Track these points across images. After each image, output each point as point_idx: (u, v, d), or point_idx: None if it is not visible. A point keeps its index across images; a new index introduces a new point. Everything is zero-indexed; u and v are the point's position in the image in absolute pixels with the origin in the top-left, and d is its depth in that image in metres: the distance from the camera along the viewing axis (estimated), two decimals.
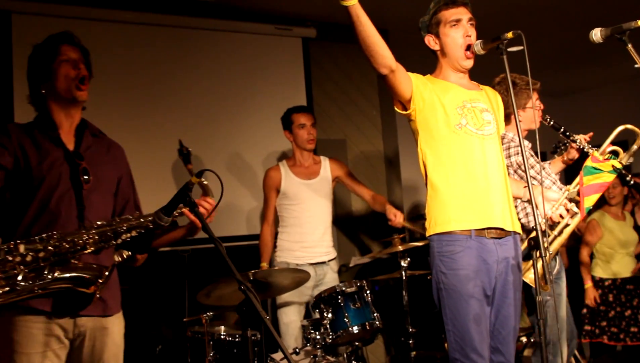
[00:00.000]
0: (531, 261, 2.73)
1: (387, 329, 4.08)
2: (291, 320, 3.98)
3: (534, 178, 3.36)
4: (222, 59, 4.96)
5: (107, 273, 2.21)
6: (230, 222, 4.78)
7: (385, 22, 5.11)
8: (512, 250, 2.71)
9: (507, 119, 3.31)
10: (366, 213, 5.25)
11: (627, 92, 8.45)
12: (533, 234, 2.48)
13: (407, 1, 4.63)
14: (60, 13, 4.30)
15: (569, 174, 3.89)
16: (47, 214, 2.26)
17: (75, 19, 4.34)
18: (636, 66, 2.71)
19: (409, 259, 4.08)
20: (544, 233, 2.49)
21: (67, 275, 2.14)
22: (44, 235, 2.17)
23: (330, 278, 4.10)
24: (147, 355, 3.99)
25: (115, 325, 2.40)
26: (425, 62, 2.92)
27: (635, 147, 3.21)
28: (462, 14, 2.73)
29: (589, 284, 5.10)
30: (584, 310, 5.17)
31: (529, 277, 2.87)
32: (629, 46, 2.46)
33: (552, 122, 3.54)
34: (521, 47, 2.47)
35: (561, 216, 2.83)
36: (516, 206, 3.36)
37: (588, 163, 2.97)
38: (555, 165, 3.62)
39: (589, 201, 2.91)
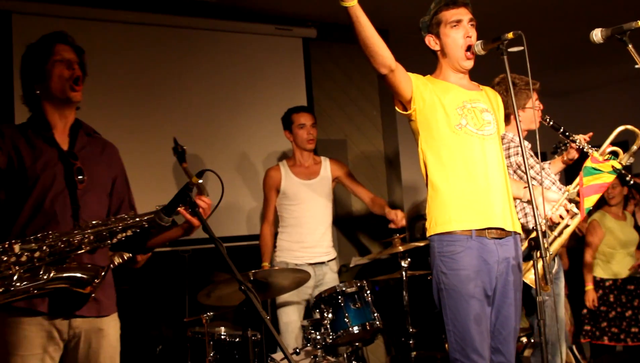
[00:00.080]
0: (531, 262, 2.73)
1: (388, 329, 4.09)
2: (291, 320, 3.98)
3: (534, 178, 3.36)
4: (222, 59, 4.97)
5: (103, 274, 2.19)
6: (230, 222, 4.78)
7: (385, 22, 5.11)
8: (512, 250, 2.71)
9: (507, 119, 3.31)
10: (367, 213, 5.25)
11: (627, 93, 8.45)
12: (533, 234, 2.48)
13: (408, 1, 4.63)
14: (61, 13, 4.30)
15: (569, 175, 3.89)
16: (42, 214, 2.25)
17: (76, 19, 4.35)
18: (636, 66, 2.71)
19: (409, 259, 4.08)
20: (543, 233, 2.49)
21: (63, 275, 2.13)
22: (39, 235, 2.15)
23: (330, 279, 4.10)
24: (147, 355, 4.00)
25: (111, 326, 2.38)
26: (425, 62, 2.92)
27: (635, 147, 3.20)
28: (463, 14, 2.73)
29: (589, 286, 5.09)
30: (584, 310, 5.17)
31: (529, 278, 2.87)
32: (630, 46, 2.45)
33: (551, 123, 3.54)
34: (521, 48, 2.48)
35: (561, 216, 2.84)
36: (515, 206, 3.36)
37: (588, 163, 2.97)
38: (555, 165, 3.62)
39: (589, 201, 2.91)
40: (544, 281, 2.45)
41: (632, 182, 3.82)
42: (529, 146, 3.59)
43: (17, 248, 2.09)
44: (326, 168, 4.25)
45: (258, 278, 3.36)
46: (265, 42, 5.14)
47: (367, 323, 3.61)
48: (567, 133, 3.50)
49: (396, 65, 2.59)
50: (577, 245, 5.60)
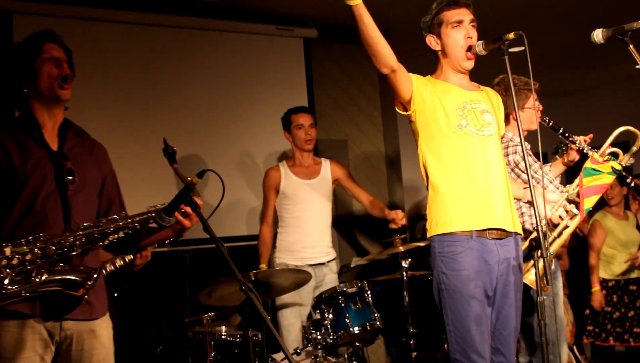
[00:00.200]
0: (531, 262, 2.73)
1: (388, 330, 4.09)
2: (291, 321, 3.98)
3: (532, 177, 3.35)
4: (223, 60, 4.97)
5: (95, 276, 2.17)
6: (231, 222, 4.78)
7: (386, 22, 5.11)
8: (513, 250, 2.71)
9: (506, 119, 3.31)
10: (367, 213, 5.24)
11: (628, 93, 8.45)
12: (534, 234, 2.48)
13: (409, 1, 4.63)
14: (61, 13, 4.30)
15: (569, 176, 3.89)
16: (33, 215, 2.21)
17: (76, 19, 4.36)
18: (637, 66, 2.71)
19: (410, 260, 4.08)
20: (543, 234, 2.49)
21: (56, 277, 2.10)
22: (30, 237, 2.11)
23: (330, 279, 4.10)
24: (148, 355, 4.00)
25: (103, 328, 2.35)
26: (426, 62, 2.92)
27: (635, 148, 3.21)
28: (464, 15, 2.74)
29: (596, 287, 5.05)
30: (587, 311, 5.16)
31: (529, 279, 2.87)
32: (631, 46, 2.45)
33: (551, 123, 3.54)
34: (522, 48, 2.48)
35: (560, 217, 2.83)
36: None
37: (587, 164, 2.98)
38: (556, 168, 3.62)
39: (589, 202, 2.91)
40: (544, 281, 2.45)
41: (632, 184, 3.81)
42: (528, 146, 3.59)
43: (8, 250, 2.05)
44: (326, 169, 4.26)
45: (259, 278, 3.37)
46: (266, 42, 5.14)
47: (367, 324, 3.61)
48: (567, 134, 3.50)
49: (398, 65, 2.60)
50: (578, 245, 5.60)
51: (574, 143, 3.46)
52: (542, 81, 3.62)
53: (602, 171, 2.94)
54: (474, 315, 2.61)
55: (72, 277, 2.13)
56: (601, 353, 5.27)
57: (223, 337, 3.48)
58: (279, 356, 3.49)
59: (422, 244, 4.11)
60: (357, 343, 3.68)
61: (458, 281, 2.62)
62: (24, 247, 2.08)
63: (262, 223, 4.20)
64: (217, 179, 2.23)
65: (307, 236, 4.09)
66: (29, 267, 2.07)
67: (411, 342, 4.00)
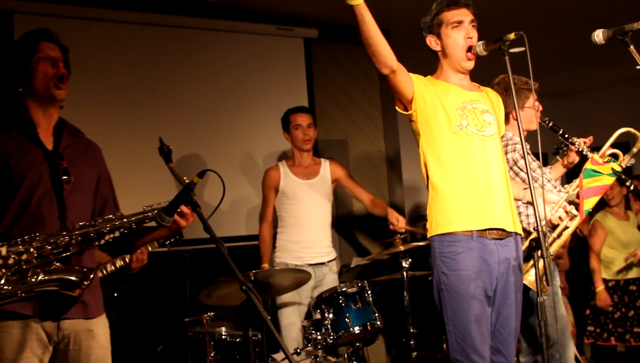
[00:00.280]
0: (531, 263, 2.73)
1: (388, 330, 4.08)
2: (291, 320, 3.98)
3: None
4: (223, 60, 4.97)
5: (91, 275, 2.17)
6: (230, 222, 4.78)
7: (386, 23, 5.11)
8: (513, 250, 2.71)
9: (506, 119, 3.31)
10: (367, 213, 5.24)
11: (628, 94, 8.44)
12: (534, 235, 2.48)
13: (409, 2, 4.63)
14: (62, 13, 4.31)
15: (569, 176, 3.89)
16: (28, 215, 2.19)
17: (77, 19, 4.36)
18: (638, 67, 2.71)
19: (410, 260, 4.08)
20: (543, 235, 2.49)
21: (52, 277, 2.09)
22: (25, 237, 2.10)
23: (330, 279, 4.10)
24: (148, 355, 4.00)
25: (101, 328, 2.34)
26: (426, 63, 2.92)
27: (635, 149, 3.20)
28: (464, 15, 2.74)
29: (601, 287, 5.04)
30: (588, 311, 5.16)
31: (528, 279, 2.87)
32: (632, 47, 2.45)
33: (550, 124, 3.53)
34: (523, 49, 2.48)
35: (560, 218, 2.83)
36: None
37: (587, 165, 2.98)
38: (557, 170, 3.62)
39: (589, 203, 2.91)
40: (545, 282, 2.45)
41: (632, 187, 3.81)
42: (528, 146, 3.59)
43: (3, 250, 2.04)
44: (326, 169, 4.26)
45: (259, 278, 3.37)
46: (267, 43, 5.14)
47: (367, 324, 3.61)
48: (567, 136, 3.49)
49: (398, 65, 2.60)
50: (579, 245, 5.59)
51: (573, 144, 3.45)
52: (542, 82, 3.62)
53: (602, 172, 2.94)
54: (474, 315, 2.61)
55: (69, 277, 2.12)
56: (601, 354, 5.27)
57: (223, 337, 3.49)
58: (279, 356, 3.49)
59: (422, 244, 4.12)
60: (358, 343, 3.68)
61: (458, 282, 2.63)
62: (20, 247, 2.08)
63: (261, 223, 4.20)
64: (217, 179, 2.22)
65: (306, 236, 4.09)
66: (25, 267, 2.06)
67: (411, 342, 4.00)
